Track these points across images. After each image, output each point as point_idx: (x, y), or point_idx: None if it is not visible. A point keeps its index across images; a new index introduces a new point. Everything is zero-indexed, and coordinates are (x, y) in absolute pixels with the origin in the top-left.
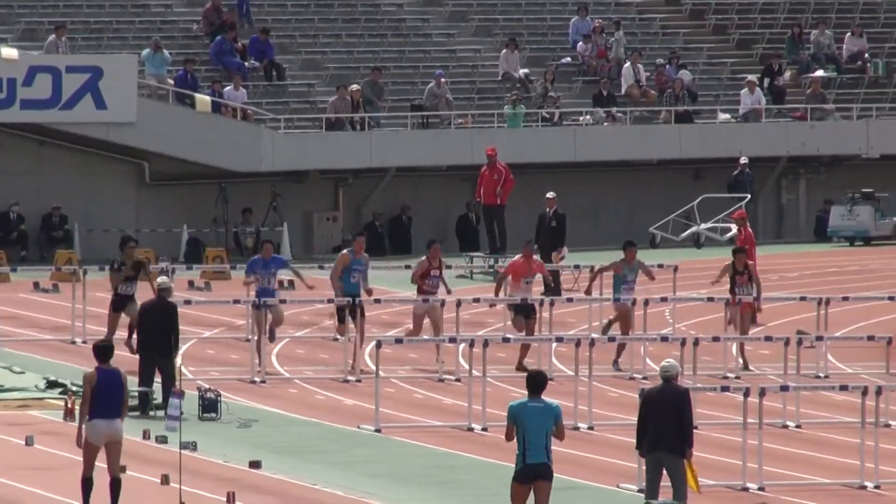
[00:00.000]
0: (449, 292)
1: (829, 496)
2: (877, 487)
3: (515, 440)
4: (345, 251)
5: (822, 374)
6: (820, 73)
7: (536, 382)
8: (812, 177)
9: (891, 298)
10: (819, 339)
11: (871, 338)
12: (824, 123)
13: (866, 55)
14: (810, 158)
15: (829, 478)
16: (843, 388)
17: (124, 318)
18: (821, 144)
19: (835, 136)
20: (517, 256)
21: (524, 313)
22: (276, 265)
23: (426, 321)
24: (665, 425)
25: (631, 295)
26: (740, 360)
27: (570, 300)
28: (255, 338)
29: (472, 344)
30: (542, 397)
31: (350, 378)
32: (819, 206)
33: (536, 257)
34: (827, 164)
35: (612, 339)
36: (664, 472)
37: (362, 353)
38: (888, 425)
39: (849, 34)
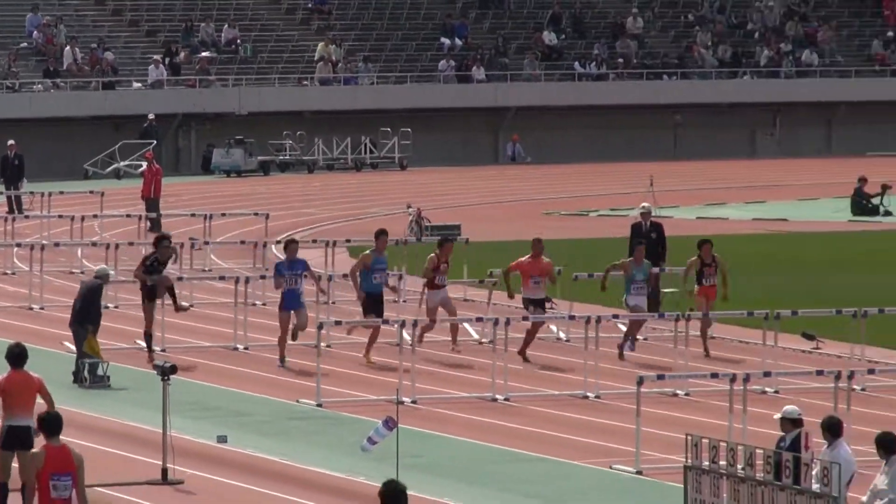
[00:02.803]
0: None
1: (211, 355)
2: (246, 349)
3: None
4: (367, 251)
5: (207, 269)
6: (206, 53)
7: None
8: (200, 127)
9: (255, 214)
10: (206, 243)
11: (242, 242)
12: (209, 90)
13: (238, 41)
14: (199, 114)
15: (211, 341)
16: (222, 277)
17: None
18: (206, 105)
19: (216, 99)
20: (525, 257)
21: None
22: (300, 267)
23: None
24: (79, 308)
25: (643, 296)
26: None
27: (27, 217)
28: (280, 335)
29: None
30: None
31: None
32: (205, 148)
33: (545, 258)
34: (211, 118)
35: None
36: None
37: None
38: (255, 304)
39: (226, 26)
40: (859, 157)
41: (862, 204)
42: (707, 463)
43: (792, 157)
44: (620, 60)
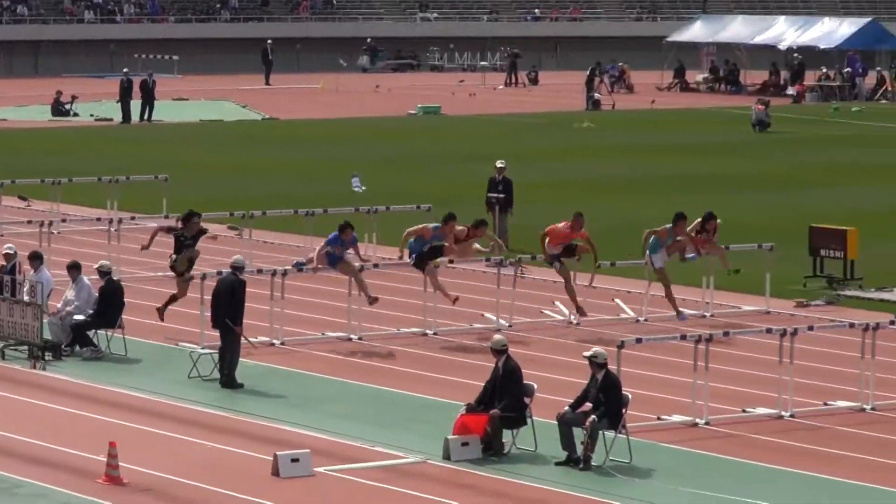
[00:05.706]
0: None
1: None
2: None
3: None
4: (432, 225)
5: None
6: None
7: None
8: None
9: None
10: None
11: None
12: None
13: None
14: None
15: None
16: None
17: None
18: None
19: None
20: (563, 224)
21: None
22: (352, 243)
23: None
24: None
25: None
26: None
27: None
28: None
29: None
30: None
31: None
32: None
33: (584, 230)
34: None
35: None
36: None
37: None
38: None
39: None
40: (58, 77)
41: (59, 109)
42: None
43: (7, 78)
44: None
